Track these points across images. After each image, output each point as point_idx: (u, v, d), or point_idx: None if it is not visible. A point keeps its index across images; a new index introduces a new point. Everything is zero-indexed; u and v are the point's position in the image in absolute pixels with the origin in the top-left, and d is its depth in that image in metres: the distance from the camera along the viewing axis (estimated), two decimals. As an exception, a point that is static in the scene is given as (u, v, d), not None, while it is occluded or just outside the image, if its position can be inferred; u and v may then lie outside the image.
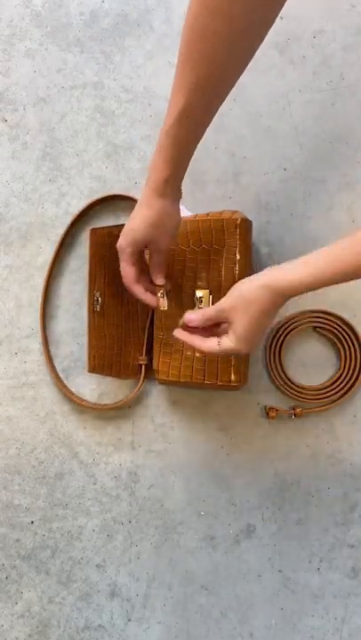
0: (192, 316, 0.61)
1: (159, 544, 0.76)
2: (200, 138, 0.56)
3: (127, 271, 0.64)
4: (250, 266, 0.70)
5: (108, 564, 0.76)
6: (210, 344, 0.60)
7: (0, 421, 0.77)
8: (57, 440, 0.77)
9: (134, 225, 0.61)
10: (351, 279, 0.52)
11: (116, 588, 0.76)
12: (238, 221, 0.68)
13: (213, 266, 0.69)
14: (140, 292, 0.65)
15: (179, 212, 0.62)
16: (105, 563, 0.76)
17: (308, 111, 0.77)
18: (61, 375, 0.77)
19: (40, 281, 0.78)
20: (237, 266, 0.68)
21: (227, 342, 0.59)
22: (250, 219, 0.70)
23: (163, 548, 0.76)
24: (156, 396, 0.77)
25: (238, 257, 0.68)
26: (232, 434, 0.76)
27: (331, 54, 0.77)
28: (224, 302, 0.58)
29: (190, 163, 0.76)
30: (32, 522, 0.77)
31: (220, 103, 0.55)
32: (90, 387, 0.78)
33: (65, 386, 0.76)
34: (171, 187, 0.58)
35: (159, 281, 0.66)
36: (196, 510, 0.76)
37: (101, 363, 0.72)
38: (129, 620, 0.76)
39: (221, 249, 0.68)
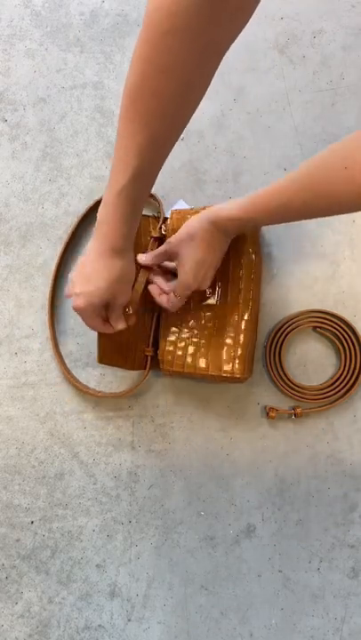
0: (143, 257, 0.68)
1: (159, 544, 0.76)
2: (150, 191, 0.57)
3: (93, 324, 0.64)
4: (258, 257, 0.70)
5: (108, 563, 0.76)
6: (167, 297, 0.68)
7: (0, 421, 0.77)
8: (57, 440, 0.77)
9: (92, 288, 0.59)
10: (276, 220, 0.59)
11: (116, 588, 0.76)
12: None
13: (222, 271, 0.69)
14: (108, 329, 0.66)
15: (134, 267, 0.62)
16: (105, 563, 0.76)
17: (308, 111, 0.77)
18: (62, 374, 0.77)
19: (40, 281, 0.78)
20: (245, 258, 0.68)
21: (177, 285, 0.65)
22: None
23: (163, 548, 0.76)
24: (156, 396, 0.77)
25: (245, 249, 0.68)
26: (232, 434, 0.76)
27: (331, 54, 0.77)
28: (172, 237, 0.64)
29: (190, 163, 0.76)
30: (32, 522, 0.77)
31: (166, 158, 0.54)
32: (90, 385, 0.77)
33: (69, 372, 0.76)
34: (129, 242, 0.59)
35: (120, 326, 0.66)
36: (196, 510, 0.76)
37: (110, 354, 0.72)
38: (129, 619, 0.76)
39: (234, 256, 0.69)
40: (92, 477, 0.77)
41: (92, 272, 0.59)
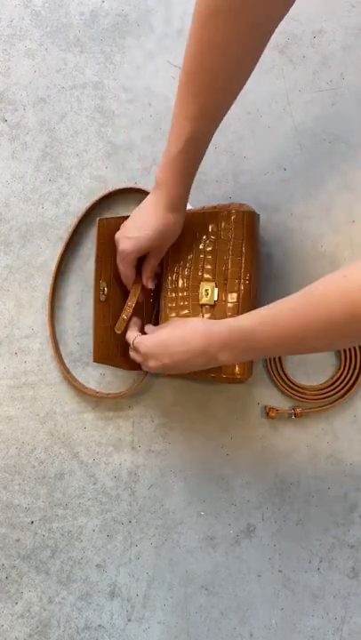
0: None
1: (159, 544, 0.76)
2: (203, 155, 0.62)
3: (128, 275, 0.70)
4: (257, 258, 0.70)
5: (108, 563, 0.76)
6: (130, 334, 0.70)
7: (0, 421, 0.77)
8: (57, 440, 0.77)
9: (143, 233, 0.65)
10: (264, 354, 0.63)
11: (116, 588, 0.76)
12: (245, 214, 0.68)
13: (220, 258, 0.69)
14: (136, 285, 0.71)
15: (182, 225, 0.67)
16: (105, 563, 0.76)
17: (308, 111, 0.77)
18: (62, 375, 0.77)
19: (40, 281, 0.78)
20: (244, 258, 0.68)
21: (142, 341, 0.67)
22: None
23: (163, 548, 0.76)
24: (156, 396, 0.77)
25: (245, 249, 0.68)
26: (232, 434, 0.76)
27: (331, 54, 0.77)
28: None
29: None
30: (32, 522, 0.77)
31: (219, 124, 0.60)
32: (90, 386, 0.77)
33: (68, 371, 0.76)
34: (184, 201, 0.65)
35: (150, 285, 0.72)
36: (196, 510, 0.76)
37: (106, 353, 0.72)
38: (129, 619, 0.76)
39: (228, 241, 0.69)
40: (92, 477, 0.77)
41: (146, 221, 0.65)
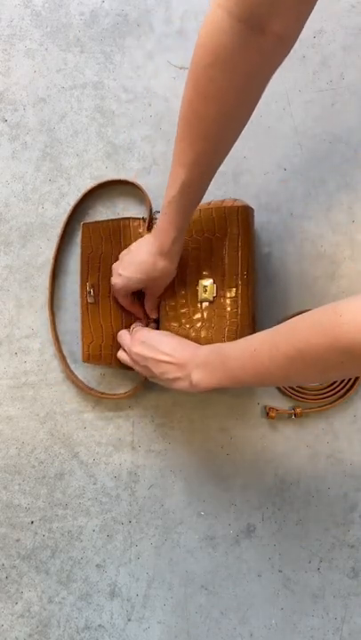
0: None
1: (159, 544, 0.76)
2: (200, 201, 0.63)
3: (125, 303, 0.73)
4: (253, 253, 0.70)
5: (108, 563, 0.76)
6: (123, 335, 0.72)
7: (0, 421, 0.77)
8: (57, 440, 0.77)
9: (133, 275, 0.68)
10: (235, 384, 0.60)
11: (116, 587, 0.76)
12: (240, 209, 0.68)
13: (216, 254, 0.69)
14: (136, 311, 0.74)
15: (175, 269, 0.68)
16: (105, 563, 0.76)
17: (308, 111, 0.77)
18: (62, 375, 0.77)
19: (40, 281, 0.78)
20: (240, 253, 0.68)
21: (142, 329, 0.70)
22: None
23: (163, 548, 0.76)
24: (156, 396, 0.77)
25: (241, 244, 0.68)
26: (232, 434, 0.76)
27: (331, 54, 0.77)
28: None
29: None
30: (32, 522, 0.77)
31: (216, 171, 0.61)
32: (91, 386, 0.77)
33: (72, 371, 0.76)
34: (175, 246, 0.65)
35: (153, 315, 0.74)
36: (196, 510, 0.76)
37: (98, 353, 0.73)
38: (129, 619, 0.76)
39: (224, 237, 0.69)
40: (92, 477, 0.77)
41: (137, 263, 0.67)
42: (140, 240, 0.69)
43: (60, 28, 0.79)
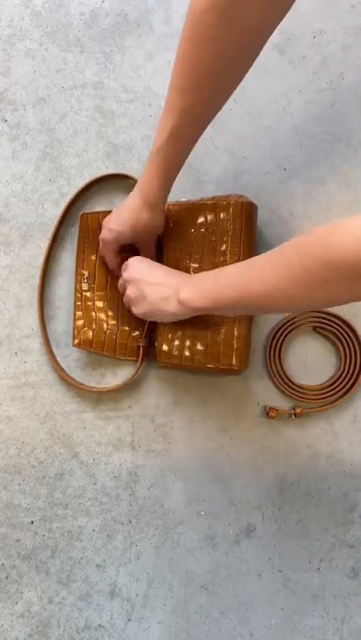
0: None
1: (159, 544, 0.76)
2: (187, 155, 0.62)
3: (113, 261, 0.73)
4: (254, 250, 0.70)
5: (108, 563, 0.76)
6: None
7: (0, 421, 0.77)
8: (57, 440, 0.77)
9: (121, 227, 0.67)
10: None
11: (116, 587, 0.76)
12: (244, 204, 0.68)
13: (218, 249, 0.69)
14: (116, 269, 0.73)
15: (163, 220, 0.68)
16: (105, 563, 0.76)
17: (308, 111, 0.77)
18: (62, 374, 0.77)
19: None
20: (242, 249, 0.68)
21: (134, 260, 0.68)
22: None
23: (163, 548, 0.76)
24: (156, 396, 0.77)
25: (243, 240, 0.68)
26: (232, 434, 0.76)
27: (331, 54, 0.77)
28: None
29: (190, 163, 0.77)
30: (32, 522, 0.77)
31: (207, 124, 0.60)
32: (90, 385, 0.77)
33: (61, 367, 0.76)
34: (160, 198, 0.65)
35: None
36: (196, 510, 0.76)
37: (89, 339, 0.75)
38: (129, 619, 0.76)
39: (227, 232, 0.69)
40: (92, 477, 0.77)
41: (123, 217, 0.67)
42: (128, 197, 0.68)
43: (60, 27, 0.79)
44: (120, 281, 0.70)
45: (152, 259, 0.71)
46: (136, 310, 0.67)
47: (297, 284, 0.49)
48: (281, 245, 0.52)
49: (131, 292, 0.67)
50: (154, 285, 0.64)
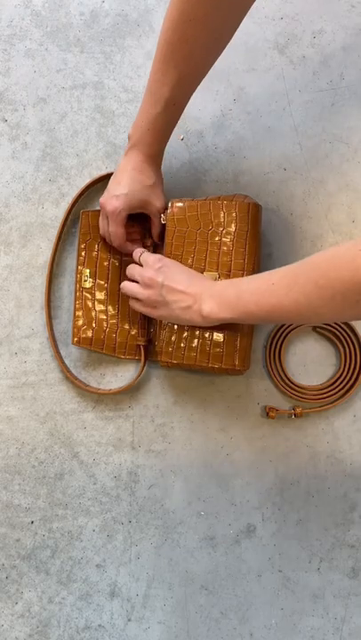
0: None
1: (159, 544, 0.76)
2: (179, 117, 0.65)
3: (119, 233, 0.70)
4: (259, 250, 0.70)
5: (108, 563, 0.76)
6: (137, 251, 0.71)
7: (0, 421, 0.77)
8: (57, 440, 0.77)
9: (130, 188, 0.67)
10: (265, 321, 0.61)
11: (116, 587, 0.76)
12: (250, 205, 0.68)
13: (223, 249, 0.69)
14: (130, 248, 0.72)
15: (162, 180, 0.70)
16: (105, 563, 0.76)
17: (308, 111, 0.77)
18: (61, 375, 0.77)
19: (40, 281, 0.78)
20: (247, 249, 0.68)
21: (152, 255, 0.68)
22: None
23: (163, 548, 0.76)
24: (156, 396, 0.77)
25: (248, 241, 0.68)
26: (232, 434, 0.76)
27: (331, 54, 0.77)
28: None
29: (190, 163, 0.77)
30: (32, 522, 0.77)
31: (196, 88, 0.63)
32: (91, 384, 0.77)
33: (68, 368, 0.76)
34: (161, 158, 0.68)
35: (159, 238, 0.74)
36: (196, 510, 0.76)
37: (89, 337, 0.75)
38: (129, 619, 0.76)
39: (232, 232, 0.69)
40: (92, 477, 0.77)
41: (129, 178, 0.66)
42: (119, 166, 0.68)
43: (60, 28, 0.79)
44: (136, 275, 0.68)
45: (159, 232, 0.72)
46: (151, 312, 0.67)
47: (329, 305, 0.50)
48: (305, 262, 0.53)
49: (152, 294, 0.65)
50: (177, 293, 0.64)
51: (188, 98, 0.63)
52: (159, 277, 0.65)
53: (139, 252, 0.70)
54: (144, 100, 0.63)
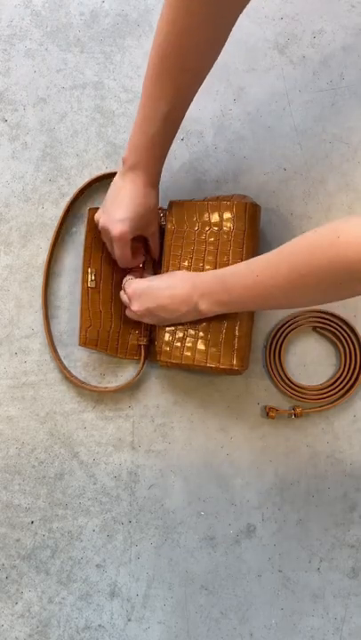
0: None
1: (159, 544, 0.76)
2: (176, 134, 0.64)
3: (126, 255, 0.70)
4: (257, 251, 0.70)
5: (108, 563, 0.76)
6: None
7: (0, 421, 0.77)
8: (57, 440, 0.77)
9: (134, 212, 0.66)
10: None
11: (116, 587, 0.76)
12: (247, 205, 0.68)
13: (221, 249, 0.69)
14: (135, 263, 0.73)
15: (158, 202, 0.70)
16: (105, 563, 0.76)
17: (308, 111, 0.77)
18: (61, 375, 0.77)
19: (40, 281, 0.78)
20: (245, 250, 0.68)
21: (131, 282, 0.70)
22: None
23: (163, 548, 0.76)
24: (156, 396, 0.77)
25: (246, 240, 0.68)
26: (232, 434, 0.76)
27: (331, 54, 0.77)
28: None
29: (190, 163, 0.77)
30: (32, 522, 0.77)
31: (192, 100, 0.62)
32: (91, 384, 0.77)
33: (65, 366, 0.76)
34: (159, 178, 0.67)
35: (156, 254, 0.74)
36: (196, 510, 0.76)
37: (94, 338, 0.74)
38: (129, 619, 0.76)
39: (230, 232, 0.69)
40: (92, 477, 0.77)
41: (132, 201, 0.66)
42: (116, 189, 0.67)
43: (60, 28, 0.79)
44: (124, 297, 0.72)
45: (158, 248, 0.73)
46: (145, 320, 0.70)
47: (314, 289, 0.53)
48: (284, 251, 0.56)
49: (137, 307, 0.69)
50: (169, 307, 0.66)
51: (186, 110, 0.62)
52: (146, 304, 0.67)
53: (125, 280, 0.73)
54: (138, 121, 0.62)
